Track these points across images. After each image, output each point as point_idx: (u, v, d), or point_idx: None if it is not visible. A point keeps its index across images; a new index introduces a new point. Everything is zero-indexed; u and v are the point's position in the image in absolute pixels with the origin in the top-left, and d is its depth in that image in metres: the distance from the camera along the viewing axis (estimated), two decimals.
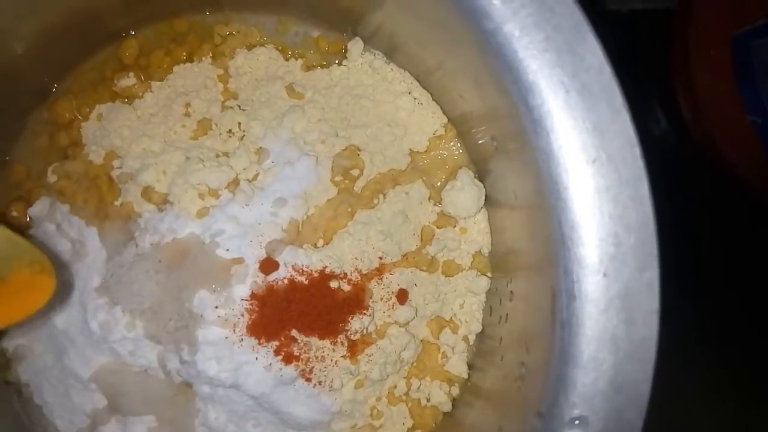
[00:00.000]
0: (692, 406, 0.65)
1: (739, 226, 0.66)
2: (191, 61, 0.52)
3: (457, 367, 0.51)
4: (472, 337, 0.51)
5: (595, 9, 0.62)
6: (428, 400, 0.51)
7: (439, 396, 0.51)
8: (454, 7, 0.36)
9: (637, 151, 0.33)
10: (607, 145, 0.33)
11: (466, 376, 0.51)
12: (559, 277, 0.35)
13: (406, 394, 0.51)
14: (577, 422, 0.34)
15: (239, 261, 0.46)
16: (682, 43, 0.60)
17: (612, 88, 0.33)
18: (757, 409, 0.67)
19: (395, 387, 0.50)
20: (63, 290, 0.47)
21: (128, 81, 0.51)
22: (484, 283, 0.51)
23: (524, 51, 0.34)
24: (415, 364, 0.51)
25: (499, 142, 0.44)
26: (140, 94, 0.51)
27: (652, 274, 0.33)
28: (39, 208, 0.50)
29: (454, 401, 0.51)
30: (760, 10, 0.55)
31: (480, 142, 0.49)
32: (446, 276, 0.51)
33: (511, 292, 0.46)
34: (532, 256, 0.41)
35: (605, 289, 0.34)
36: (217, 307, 0.45)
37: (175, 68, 0.51)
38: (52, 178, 0.50)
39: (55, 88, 0.52)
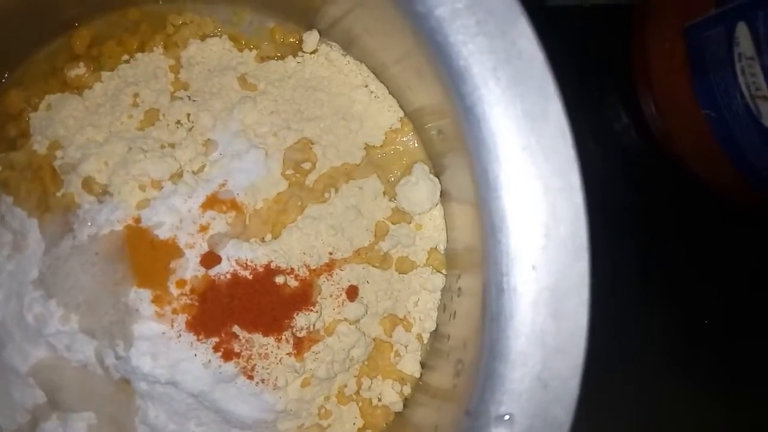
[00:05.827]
0: (662, 405, 0.64)
1: (705, 224, 0.65)
2: (143, 51, 0.51)
3: (410, 366, 0.49)
4: (426, 336, 0.50)
5: (547, 4, 0.61)
6: (380, 400, 0.49)
7: (391, 395, 0.49)
8: None
9: (568, 139, 0.32)
10: (537, 133, 0.32)
11: (418, 375, 0.49)
12: (489, 270, 0.33)
13: (357, 393, 0.49)
14: (506, 417, 0.32)
15: (179, 254, 0.45)
16: (639, 37, 0.59)
17: (544, 75, 0.32)
18: (729, 408, 0.66)
19: (345, 386, 0.49)
20: None
21: (78, 71, 0.50)
22: (438, 280, 0.49)
23: (455, 35, 0.33)
24: (366, 362, 0.49)
25: (444, 135, 0.43)
26: (90, 84, 0.50)
27: (582, 267, 0.32)
28: None
29: (406, 401, 0.49)
30: None
31: (436, 137, 0.48)
32: (400, 273, 0.50)
33: (459, 288, 0.45)
34: (475, 251, 0.40)
35: (534, 281, 0.32)
36: (153, 302, 0.44)
37: (126, 58, 0.50)
38: None
39: (6, 78, 0.51)
